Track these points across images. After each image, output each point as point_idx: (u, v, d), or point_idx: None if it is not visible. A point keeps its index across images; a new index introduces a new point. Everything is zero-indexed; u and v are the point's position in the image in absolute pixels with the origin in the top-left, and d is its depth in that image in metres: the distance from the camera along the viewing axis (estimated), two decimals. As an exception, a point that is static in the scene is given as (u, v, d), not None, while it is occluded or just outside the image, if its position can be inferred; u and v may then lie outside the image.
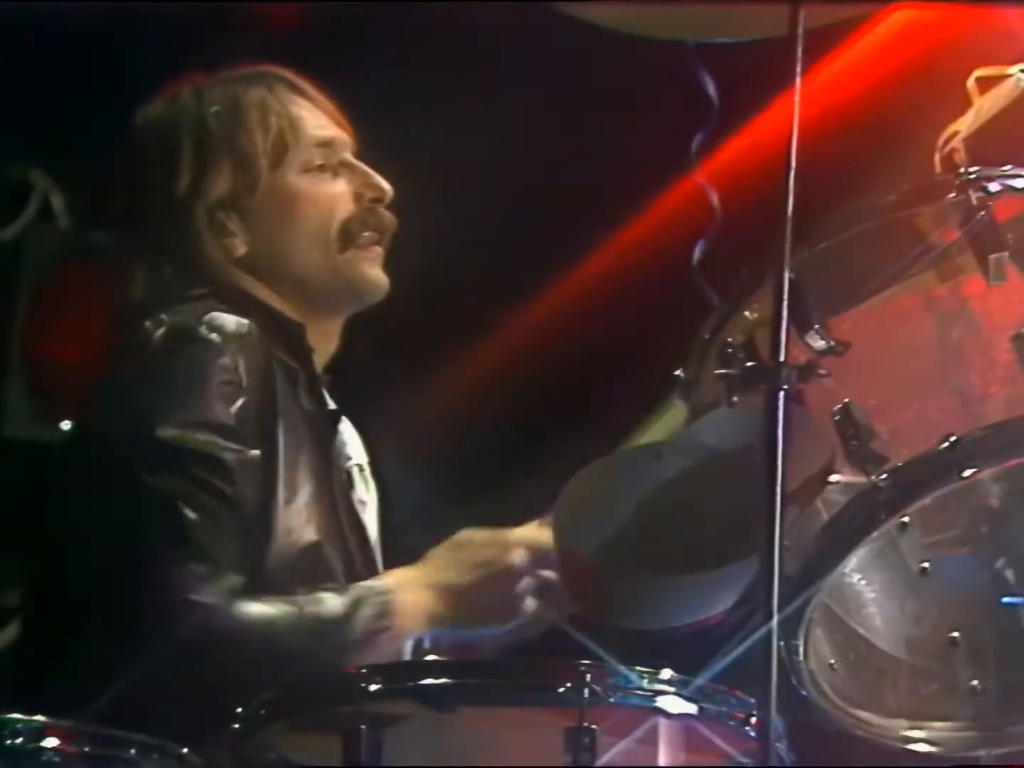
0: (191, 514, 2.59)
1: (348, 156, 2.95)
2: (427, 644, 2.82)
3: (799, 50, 2.26)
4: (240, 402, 2.67)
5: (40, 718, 2.30)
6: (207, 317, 2.71)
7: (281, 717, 2.27)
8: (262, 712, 2.27)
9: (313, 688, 2.29)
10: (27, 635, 2.85)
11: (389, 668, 2.40)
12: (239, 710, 2.26)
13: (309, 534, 2.74)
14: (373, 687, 2.20)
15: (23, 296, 3.72)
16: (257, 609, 2.60)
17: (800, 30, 2.28)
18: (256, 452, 2.66)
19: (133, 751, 2.32)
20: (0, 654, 3.25)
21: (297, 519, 2.72)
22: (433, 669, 2.28)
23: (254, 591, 2.62)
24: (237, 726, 2.27)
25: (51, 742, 2.29)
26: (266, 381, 2.72)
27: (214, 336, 2.70)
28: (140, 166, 2.93)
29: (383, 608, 2.65)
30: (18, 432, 3.80)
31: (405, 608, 2.66)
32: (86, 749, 2.31)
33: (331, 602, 2.64)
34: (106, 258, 3.47)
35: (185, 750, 2.32)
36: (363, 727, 2.18)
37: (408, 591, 2.69)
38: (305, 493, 2.76)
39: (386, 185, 2.94)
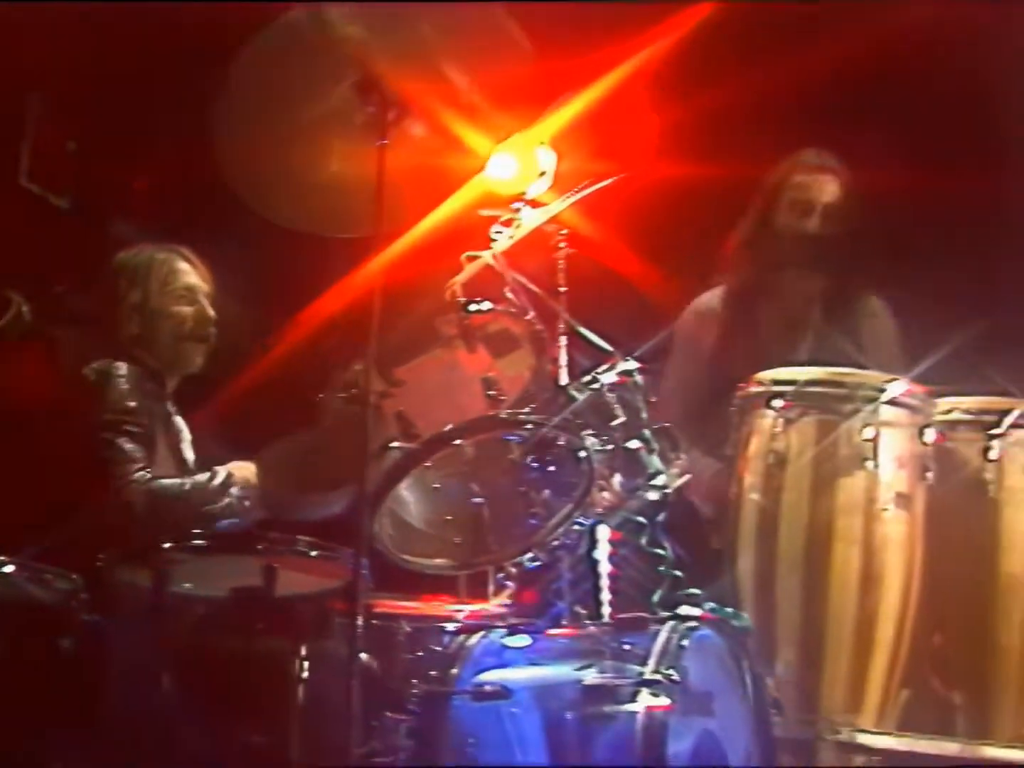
0: (127, 444, 4.85)
1: (201, 297, 5.28)
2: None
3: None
4: (134, 401, 4.93)
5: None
6: (114, 364, 4.96)
7: (127, 559, 4.06)
8: (117, 556, 4.07)
9: (145, 545, 4.07)
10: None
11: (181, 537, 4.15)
12: (102, 555, 4.10)
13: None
14: (168, 544, 4.02)
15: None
16: (167, 482, 4.92)
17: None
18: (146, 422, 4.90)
19: (49, 576, 4.00)
20: None
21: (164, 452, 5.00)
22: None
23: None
24: (102, 564, 4.06)
25: (8, 568, 3.92)
26: (144, 393, 4.98)
27: (118, 371, 4.95)
28: (105, 289, 5.16)
29: (228, 474, 4.87)
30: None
31: (239, 475, 4.89)
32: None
33: (199, 476, 4.90)
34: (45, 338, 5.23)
35: (75, 576, 4.05)
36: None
37: (238, 470, 4.95)
38: (164, 444, 5.01)
39: (211, 315, 5.29)
